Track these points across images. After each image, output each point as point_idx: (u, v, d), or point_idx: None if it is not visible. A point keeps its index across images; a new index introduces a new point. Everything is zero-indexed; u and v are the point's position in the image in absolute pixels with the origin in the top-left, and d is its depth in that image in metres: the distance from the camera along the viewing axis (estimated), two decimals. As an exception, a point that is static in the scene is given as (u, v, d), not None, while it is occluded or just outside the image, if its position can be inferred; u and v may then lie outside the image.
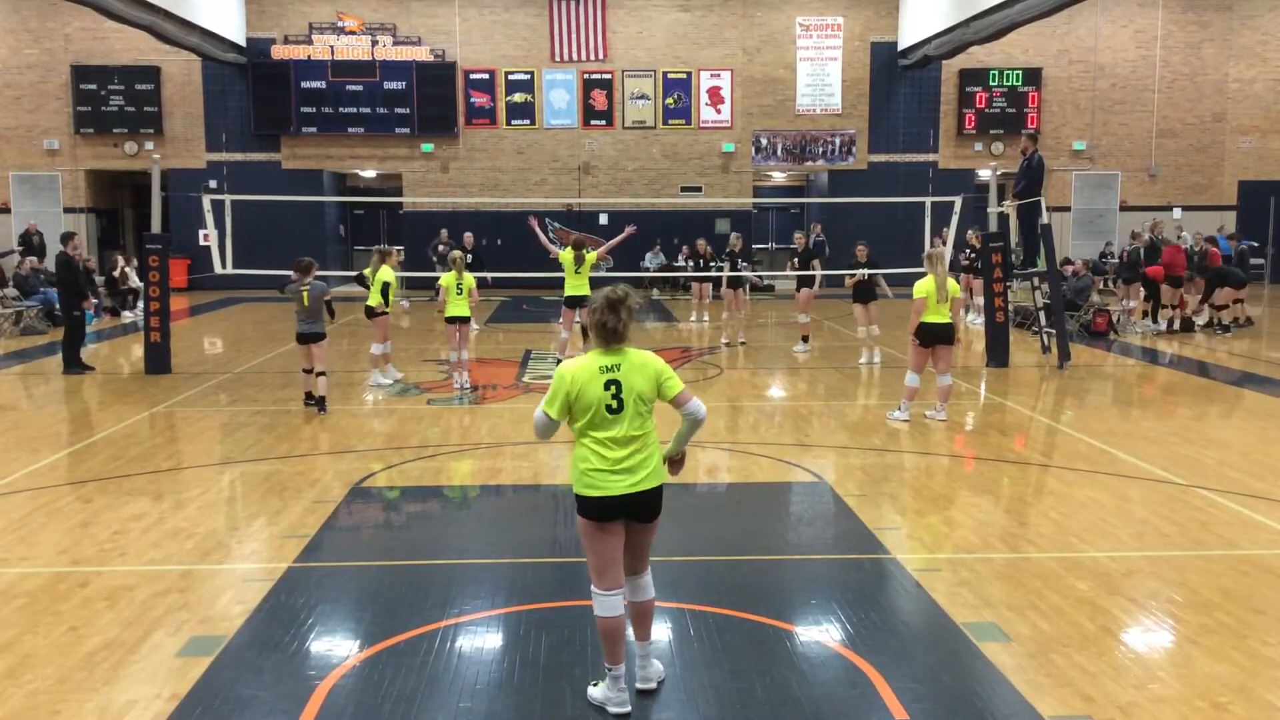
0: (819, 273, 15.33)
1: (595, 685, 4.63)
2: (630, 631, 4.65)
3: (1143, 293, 18.47)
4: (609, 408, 4.43)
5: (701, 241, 19.71)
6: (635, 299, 4.51)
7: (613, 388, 4.43)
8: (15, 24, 25.97)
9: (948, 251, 17.33)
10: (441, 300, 12.48)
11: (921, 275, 10.37)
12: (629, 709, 4.46)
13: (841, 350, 15.74)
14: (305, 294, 10.80)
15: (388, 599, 5.82)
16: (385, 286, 12.61)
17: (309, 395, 11.14)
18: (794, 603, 5.86)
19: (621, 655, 4.51)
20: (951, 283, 10.29)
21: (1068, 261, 19.91)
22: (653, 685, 4.65)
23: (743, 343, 16.26)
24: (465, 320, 12.34)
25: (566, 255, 13.37)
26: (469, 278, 12.39)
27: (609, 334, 4.47)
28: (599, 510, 4.44)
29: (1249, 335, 17.54)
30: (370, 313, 12.69)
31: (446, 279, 12.39)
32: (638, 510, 4.49)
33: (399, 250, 13.78)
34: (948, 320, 10.37)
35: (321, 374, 10.98)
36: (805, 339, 15.51)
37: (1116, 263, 21.24)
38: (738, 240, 17.00)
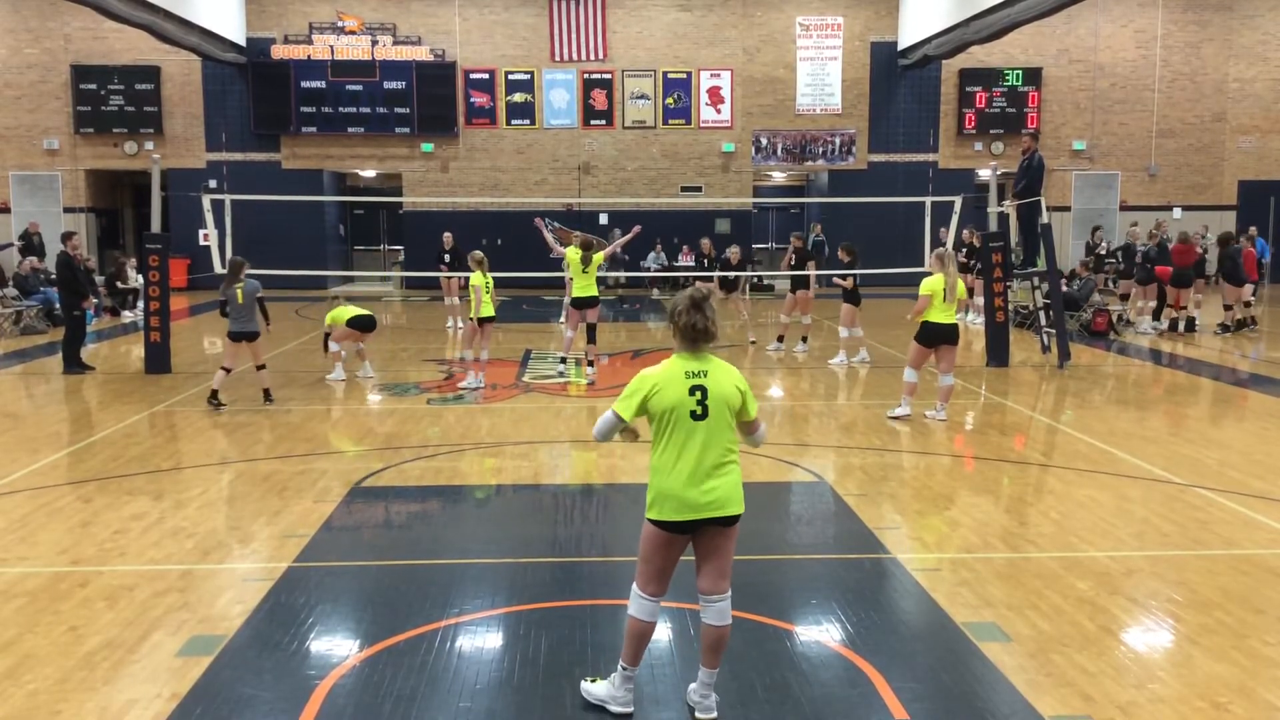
0: (813, 273, 15.33)
1: (593, 681, 4.58)
2: (700, 656, 4.52)
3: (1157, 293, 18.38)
4: (693, 414, 4.22)
5: (706, 241, 19.76)
6: (715, 296, 4.41)
7: (698, 393, 4.22)
8: (15, 24, 25.96)
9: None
10: (478, 300, 12.37)
11: (926, 274, 10.36)
12: (632, 709, 4.45)
13: (836, 351, 15.71)
14: (239, 291, 11.07)
15: (388, 599, 5.82)
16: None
17: (214, 394, 11.17)
18: (794, 603, 5.86)
19: (640, 658, 4.46)
20: (960, 284, 10.29)
21: (1096, 248, 19.74)
22: (713, 715, 4.41)
23: (753, 342, 16.23)
24: (493, 319, 12.61)
25: (574, 255, 13.12)
26: (489, 278, 12.50)
27: (699, 334, 4.27)
28: (674, 527, 4.30)
29: (1249, 335, 17.52)
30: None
31: (477, 279, 12.37)
32: (718, 520, 4.31)
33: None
34: (954, 321, 10.35)
35: (261, 367, 11.42)
36: (804, 339, 15.51)
37: (1115, 262, 21.16)
38: (735, 252, 17.31)
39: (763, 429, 4.55)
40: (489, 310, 12.45)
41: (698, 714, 4.43)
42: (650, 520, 4.34)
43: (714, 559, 4.41)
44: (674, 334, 4.36)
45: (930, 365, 10.77)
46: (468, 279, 12.73)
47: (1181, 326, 17.59)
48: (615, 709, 4.43)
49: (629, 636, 4.44)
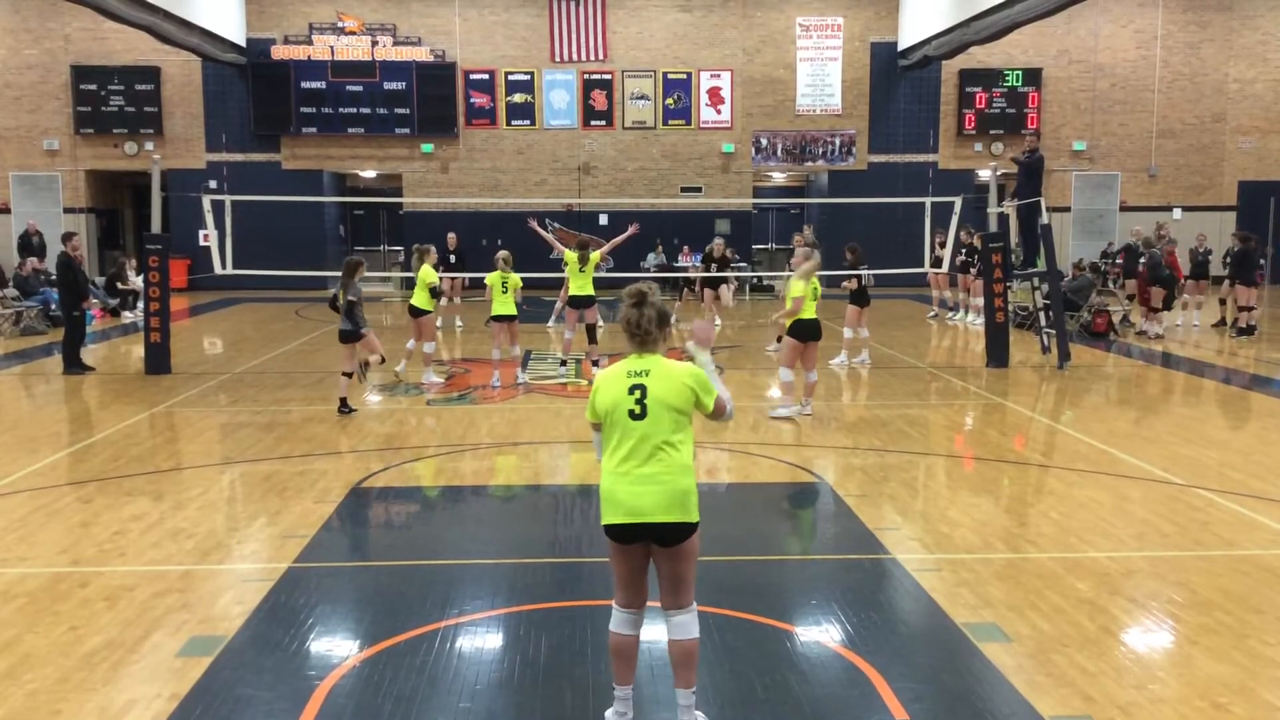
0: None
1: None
2: (672, 674, 4.38)
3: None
4: (631, 413, 4.17)
5: (719, 242, 19.77)
6: (658, 295, 4.29)
7: (637, 392, 4.18)
8: (15, 24, 25.95)
9: (947, 252, 17.41)
10: (487, 298, 12.53)
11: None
12: None
13: (838, 351, 15.70)
14: (342, 293, 10.85)
15: (388, 599, 5.82)
16: (433, 287, 12.81)
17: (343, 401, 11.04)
18: (794, 603, 5.86)
19: (627, 677, 4.34)
20: (815, 281, 10.74)
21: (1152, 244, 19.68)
22: None
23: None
24: (513, 318, 12.55)
25: (571, 255, 13.35)
26: (514, 277, 12.49)
27: (631, 331, 4.29)
28: (616, 534, 4.22)
29: (1250, 338, 17.52)
30: (416, 312, 12.82)
31: (492, 278, 12.47)
32: (656, 534, 4.19)
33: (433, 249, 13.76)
34: (817, 317, 10.69)
35: (345, 374, 11.04)
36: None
37: (1118, 261, 21.12)
38: (720, 245, 18.23)
39: (729, 407, 4.36)
40: (503, 309, 12.43)
41: None
42: (603, 526, 4.28)
43: (664, 577, 4.29)
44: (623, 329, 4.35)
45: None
46: (471, 280, 12.80)
47: (1182, 323, 17.55)
48: None
49: (611, 653, 4.38)
